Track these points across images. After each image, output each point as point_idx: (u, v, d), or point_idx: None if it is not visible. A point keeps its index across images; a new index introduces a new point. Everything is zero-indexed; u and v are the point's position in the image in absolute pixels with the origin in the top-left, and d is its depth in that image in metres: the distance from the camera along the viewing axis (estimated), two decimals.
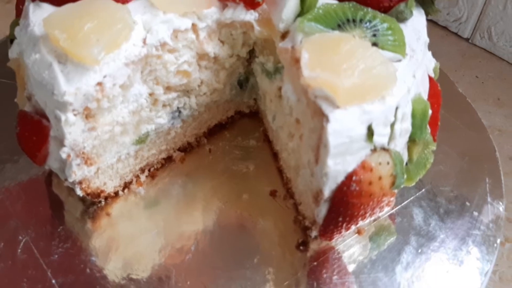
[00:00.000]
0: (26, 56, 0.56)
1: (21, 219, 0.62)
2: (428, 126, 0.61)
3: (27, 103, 0.61)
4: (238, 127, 0.79)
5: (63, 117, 0.53)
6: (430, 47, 1.46)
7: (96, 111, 0.56)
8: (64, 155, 0.56)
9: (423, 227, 0.67)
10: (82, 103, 0.53)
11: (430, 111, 0.60)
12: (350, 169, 0.52)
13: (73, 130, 0.55)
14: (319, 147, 0.52)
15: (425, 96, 0.60)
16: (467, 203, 0.70)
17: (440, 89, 0.64)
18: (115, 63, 0.54)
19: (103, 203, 0.66)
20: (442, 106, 0.81)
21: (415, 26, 0.61)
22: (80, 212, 0.66)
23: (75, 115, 0.53)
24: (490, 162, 0.76)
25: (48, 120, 0.56)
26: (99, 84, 0.53)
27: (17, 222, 0.62)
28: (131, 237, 0.65)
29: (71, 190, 0.66)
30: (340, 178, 0.53)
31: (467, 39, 1.46)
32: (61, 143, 0.56)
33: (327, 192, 0.54)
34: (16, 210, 0.63)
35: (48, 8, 0.58)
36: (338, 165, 0.52)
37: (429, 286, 0.61)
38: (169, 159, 0.72)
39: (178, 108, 0.68)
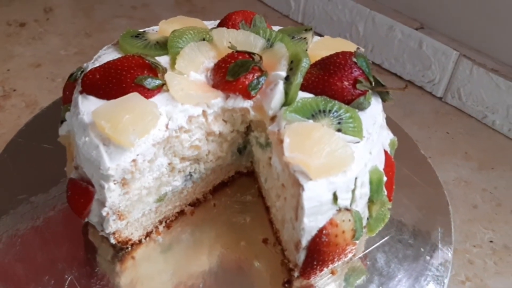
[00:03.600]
0: (78, 138, 0.74)
1: (66, 261, 0.79)
2: (384, 189, 0.78)
3: (73, 171, 0.79)
4: (237, 185, 0.96)
5: (106, 186, 0.71)
6: (408, 105, 1.65)
7: (130, 180, 0.73)
8: (104, 213, 0.74)
9: (385, 269, 0.83)
10: (121, 175, 0.71)
11: (385, 178, 0.77)
12: (321, 225, 0.69)
13: (112, 194, 0.72)
14: (297, 208, 0.70)
15: (381, 167, 0.78)
16: (422, 249, 0.86)
17: (393, 161, 0.82)
18: (145, 144, 0.72)
19: (129, 248, 0.83)
20: (406, 166, 0.99)
21: (372, 112, 0.79)
22: (111, 256, 0.82)
23: (115, 183, 0.71)
24: (443, 214, 0.93)
25: (93, 186, 0.74)
26: (134, 160, 0.71)
27: (63, 264, 0.78)
28: (151, 277, 0.80)
29: (103, 238, 0.83)
30: (314, 231, 0.70)
31: (440, 98, 1.66)
32: (102, 204, 0.73)
33: (304, 242, 0.71)
34: (62, 254, 0.80)
35: (93, 100, 0.76)
36: (311, 222, 0.69)
37: None
38: (181, 213, 0.89)
39: (190, 172, 0.85)
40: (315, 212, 0.68)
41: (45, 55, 1.73)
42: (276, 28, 0.98)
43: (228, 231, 0.87)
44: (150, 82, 0.76)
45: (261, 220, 0.89)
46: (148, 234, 0.85)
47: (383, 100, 0.83)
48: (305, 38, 0.93)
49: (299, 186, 0.68)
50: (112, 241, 0.79)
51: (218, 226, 0.88)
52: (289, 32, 0.93)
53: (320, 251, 0.70)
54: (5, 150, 0.97)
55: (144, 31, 0.91)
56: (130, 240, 0.82)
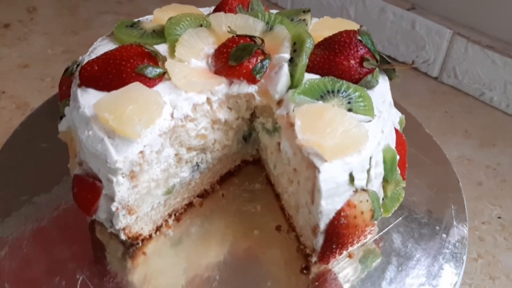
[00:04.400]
0: (80, 132, 0.71)
1: (76, 261, 0.76)
2: (397, 168, 0.77)
3: (77, 167, 0.76)
4: (244, 173, 0.94)
5: (114, 179, 0.68)
6: (404, 87, 1.64)
7: (138, 172, 0.71)
8: (114, 208, 0.71)
9: (402, 249, 0.81)
10: (129, 167, 0.68)
11: (398, 157, 0.76)
12: (338, 207, 0.68)
13: (121, 188, 0.70)
14: (314, 191, 0.68)
15: (393, 145, 0.76)
16: (437, 227, 0.85)
17: (404, 139, 0.80)
18: (151, 135, 0.69)
19: (140, 244, 0.80)
20: (412, 145, 0.98)
21: (381, 91, 0.77)
22: (121, 253, 0.80)
23: (123, 177, 0.69)
24: (454, 191, 0.92)
25: (100, 181, 0.71)
26: (141, 152, 0.69)
27: (73, 264, 0.75)
28: (164, 271, 0.78)
29: (112, 235, 0.80)
30: (332, 214, 0.68)
31: (435, 78, 1.65)
32: (111, 199, 0.71)
33: (322, 226, 0.69)
34: (70, 254, 0.77)
35: (93, 92, 0.73)
36: (329, 205, 0.67)
37: None
38: (190, 205, 0.87)
39: (197, 163, 0.83)
40: (332, 194, 0.67)
41: (32, 55, 1.68)
42: (273, 11, 0.95)
43: (239, 221, 0.85)
44: (151, 71, 0.73)
45: (272, 207, 0.87)
46: (158, 228, 0.83)
47: (390, 78, 0.81)
48: (304, 19, 0.91)
49: (314, 169, 0.66)
50: (123, 237, 0.77)
51: (228, 216, 0.85)
52: (288, 15, 0.91)
53: (339, 234, 0.69)
54: (1, 152, 0.93)
55: (138, 21, 0.89)
56: (140, 235, 0.79)
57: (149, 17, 0.93)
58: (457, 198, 0.91)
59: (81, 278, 0.74)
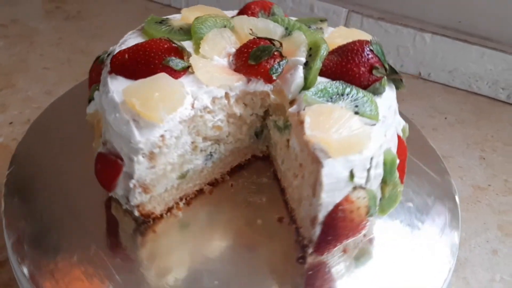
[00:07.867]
0: (108, 114, 0.77)
1: (90, 233, 0.83)
2: (397, 172, 0.82)
3: (101, 146, 0.83)
4: (253, 168, 1.00)
5: (135, 158, 0.74)
6: None
7: (157, 154, 0.77)
8: (131, 185, 0.77)
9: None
10: (149, 148, 0.75)
11: (398, 161, 0.81)
12: (337, 200, 0.73)
13: (140, 167, 0.76)
14: (316, 184, 0.74)
15: (394, 150, 0.81)
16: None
17: (406, 145, 0.86)
18: (173, 121, 0.76)
19: (151, 222, 0.86)
20: (415, 156, 1.03)
21: (388, 98, 0.83)
22: (132, 229, 0.86)
23: (143, 157, 0.75)
24: (450, 200, 0.97)
25: (121, 160, 0.77)
26: (162, 136, 0.75)
27: (88, 236, 0.82)
28: (170, 250, 0.83)
29: (126, 212, 0.87)
30: (330, 207, 0.74)
31: None
32: (129, 176, 0.77)
33: (321, 217, 0.75)
34: (87, 226, 0.84)
35: (121, 80, 0.80)
36: (329, 198, 0.73)
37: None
38: (201, 191, 0.93)
39: (210, 152, 0.89)
40: (332, 189, 0.72)
41: None
42: (292, 18, 1.01)
43: (245, 210, 0.90)
44: (177, 64, 0.80)
45: (276, 200, 0.93)
46: (169, 210, 0.88)
47: (397, 88, 0.87)
48: (321, 28, 0.97)
49: (318, 163, 0.72)
50: (136, 213, 0.83)
51: (235, 205, 0.91)
52: (306, 22, 0.98)
53: (335, 226, 0.74)
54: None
55: (167, 18, 0.95)
56: (152, 213, 0.85)
57: (177, 16, 1.00)
58: (452, 208, 0.96)
59: (93, 248, 0.80)
